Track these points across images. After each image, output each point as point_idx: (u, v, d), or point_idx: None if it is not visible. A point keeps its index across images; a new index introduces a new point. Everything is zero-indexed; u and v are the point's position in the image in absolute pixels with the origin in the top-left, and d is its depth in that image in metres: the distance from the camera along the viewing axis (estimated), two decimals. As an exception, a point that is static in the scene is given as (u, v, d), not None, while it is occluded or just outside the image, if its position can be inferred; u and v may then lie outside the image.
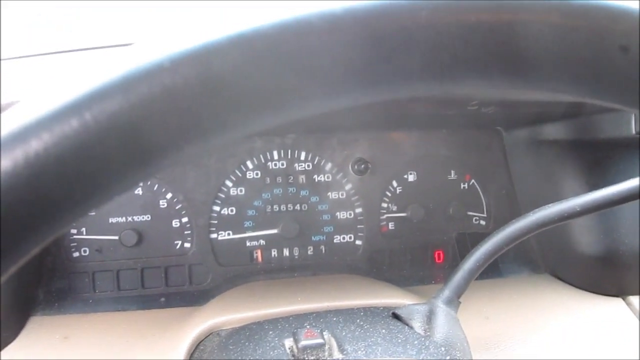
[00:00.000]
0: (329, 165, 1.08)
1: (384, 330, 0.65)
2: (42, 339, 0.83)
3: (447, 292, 0.68)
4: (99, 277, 0.99)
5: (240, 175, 1.05)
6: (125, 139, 0.23)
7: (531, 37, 0.28)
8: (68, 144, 0.23)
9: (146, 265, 1.01)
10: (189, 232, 1.03)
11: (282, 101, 0.26)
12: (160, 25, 0.98)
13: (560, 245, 0.99)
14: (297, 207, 1.07)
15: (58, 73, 0.80)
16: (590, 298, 0.93)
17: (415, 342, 0.62)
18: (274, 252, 1.07)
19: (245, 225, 1.05)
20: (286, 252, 1.07)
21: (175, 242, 1.03)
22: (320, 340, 0.61)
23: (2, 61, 0.82)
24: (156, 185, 1.01)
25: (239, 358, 0.62)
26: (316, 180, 1.08)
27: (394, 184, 1.10)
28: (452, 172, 1.12)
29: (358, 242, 1.10)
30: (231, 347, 0.66)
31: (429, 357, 0.59)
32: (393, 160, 1.10)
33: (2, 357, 0.78)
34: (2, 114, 0.24)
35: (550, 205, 0.68)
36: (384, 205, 1.10)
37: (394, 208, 1.10)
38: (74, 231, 0.98)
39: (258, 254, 1.06)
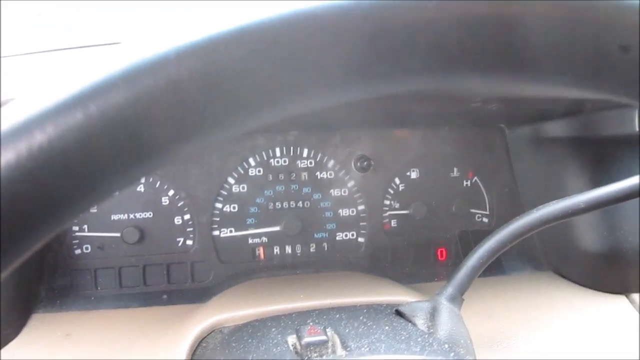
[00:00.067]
0: (331, 163, 1.08)
1: (387, 327, 0.65)
2: (44, 336, 0.83)
3: (450, 290, 0.68)
4: (101, 274, 0.99)
5: (242, 172, 1.05)
6: (129, 131, 0.23)
7: (533, 32, 0.28)
8: (72, 136, 0.22)
9: (148, 262, 1.01)
10: (191, 229, 1.03)
11: (284, 94, 0.26)
12: (160, 25, 0.97)
13: (563, 243, 0.99)
14: (300, 204, 1.07)
15: (59, 70, 0.80)
16: (593, 295, 0.93)
17: (419, 339, 0.62)
18: (276, 250, 1.07)
19: (248, 223, 1.05)
20: (288, 249, 1.07)
21: (178, 239, 1.03)
22: (323, 337, 0.60)
23: (2, 59, 0.82)
24: (158, 182, 1.01)
25: (242, 355, 0.62)
26: (318, 177, 1.08)
27: (397, 181, 1.10)
28: (455, 169, 1.12)
29: (360, 240, 1.10)
30: (234, 345, 0.66)
31: (432, 354, 0.59)
32: (396, 158, 1.10)
33: (4, 355, 0.78)
34: (3, 108, 0.23)
35: (553, 202, 0.68)
36: (387, 202, 1.10)
37: (397, 205, 1.10)
38: (75, 228, 0.98)
39: (260, 252, 1.06)
